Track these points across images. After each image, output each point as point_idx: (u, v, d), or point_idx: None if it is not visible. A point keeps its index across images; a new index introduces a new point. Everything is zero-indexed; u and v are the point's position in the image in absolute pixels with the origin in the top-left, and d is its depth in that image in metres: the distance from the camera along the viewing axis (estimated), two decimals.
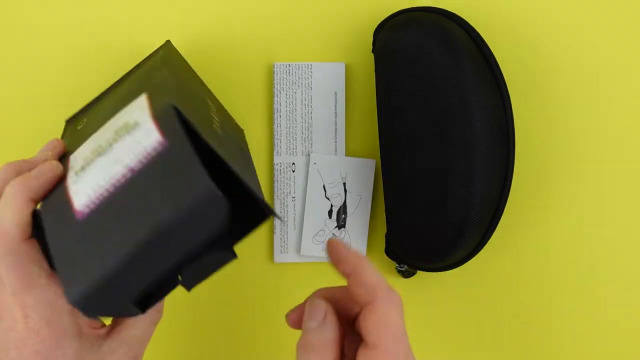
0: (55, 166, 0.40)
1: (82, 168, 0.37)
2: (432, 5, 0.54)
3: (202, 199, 0.32)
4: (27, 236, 0.38)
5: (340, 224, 0.54)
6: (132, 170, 0.35)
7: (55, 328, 0.38)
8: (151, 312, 0.41)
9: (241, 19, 0.55)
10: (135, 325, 0.41)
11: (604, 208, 0.56)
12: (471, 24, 0.54)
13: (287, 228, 0.55)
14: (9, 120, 0.55)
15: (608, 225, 0.56)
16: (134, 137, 0.36)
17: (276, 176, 0.54)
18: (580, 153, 0.56)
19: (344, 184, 0.54)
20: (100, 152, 0.37)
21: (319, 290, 0.41)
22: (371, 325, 0.37)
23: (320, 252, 0.54)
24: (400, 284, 0.55)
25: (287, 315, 0.42)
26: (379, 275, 0.39)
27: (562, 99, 0.56)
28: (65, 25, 0.54)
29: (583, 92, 0.56)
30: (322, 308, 0.39)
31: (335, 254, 0.40)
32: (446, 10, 0.52)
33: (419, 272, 0.55)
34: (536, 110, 0.56)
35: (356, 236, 0.54)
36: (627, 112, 0.56)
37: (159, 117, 0.35)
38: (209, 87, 0.55)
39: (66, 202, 0.37)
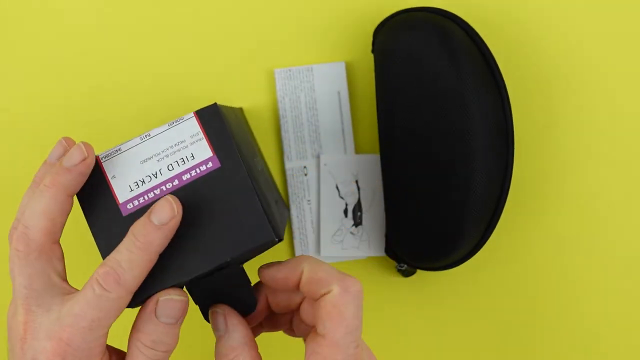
0: (87, 153, 0.37)
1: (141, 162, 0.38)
2: (432, 6, 0.54)
3: (264, 244, 0.37)
4: (55, 240, 0.37)
5: (357, 222, 0.55)
6: (181, 180, 0.37)
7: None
8: None
9: (238, 28, 0.55)
10: None
11: (604, 207, 0.56)
12: (471, 24, 0.54)
13: (306, 231, 0.55)
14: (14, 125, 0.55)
15: (608, 225, 0.56)
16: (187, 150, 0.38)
17: (289, 181, 0.55)
18: (580, 153, 0.56)
19: (357, 181, 0.54)
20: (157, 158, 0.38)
21: (260, 271, 0.40)
22: (324, 315, 0.36)
23: (340, 252, 0.55)
24: (400, 284, 0.56)
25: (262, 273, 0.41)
26: (329, 267, 0.38)
27: (562, 98, 0.56)
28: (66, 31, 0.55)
29: (583, 91, 0.55)
30: (221, 317, 0.39)
31: (272, 276, 0.39)
32: (446, 10, 0.52)
33: (418, 271, 0.55)
34: (536, 110, 0.56)
35: (374, 232, 0.54)
36: (627, 112, 0.55)
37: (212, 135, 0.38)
38: (211, 100, 0.55)
39: (110, 196, 0.38)
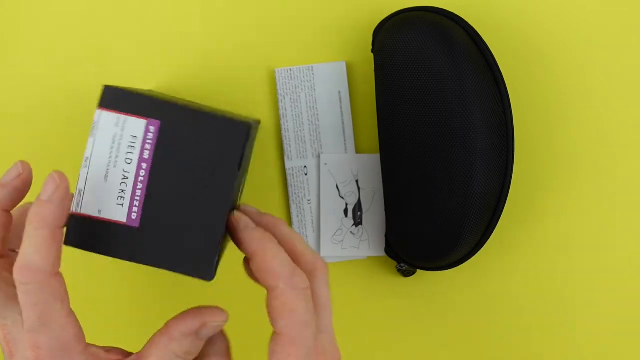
0: (59, 181, 0.36)
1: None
2: (432, 5, 0.54)
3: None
4: (56, 271, 0.37)
5: (357, 222, 0.55)
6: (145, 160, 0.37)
7: None
8: None
9: (238, 28, 0.55)
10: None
11: (604, 207, 0.55)
12: (471, 23, 0.54)
13: (306, 231, 0.55)
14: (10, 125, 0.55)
15: (608, 224, 0.55)
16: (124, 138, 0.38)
17: (290, 181, 0.55)
18: (580, 153, 0.56)
19: (357, 181, 0.55)
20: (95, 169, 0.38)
21: (233, 219, 0.39)
22: (275, 313, 0.36)
23: (340, 252, 0.55)
24: (400, 284, 0.55)
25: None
26: (282, 258, 0.37)
27: (562, 98, 0.56)
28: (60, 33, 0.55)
29: (583, 91, 0.55)
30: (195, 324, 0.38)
31: (235, 232, 0.38)
32: (446, 10, 0.52)
33: (418, 271, 0.55)
34: (536, 110, 0.56)
35: (374, 232, 0.55)
36: (627, 112, 0.55)
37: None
38: (212, 102, 0.55)
39: (107, 223, 0.38)
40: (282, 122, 0.55)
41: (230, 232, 0.38)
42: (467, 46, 0.51)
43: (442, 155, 0.50)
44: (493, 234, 0.54)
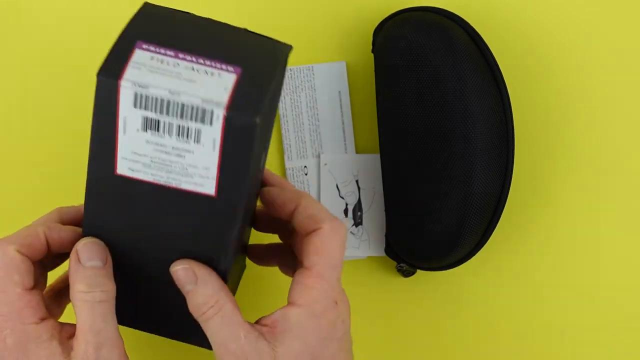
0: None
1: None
2: (432, 5, 0.54)
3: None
4: (22, 250, 0.41)
5: (357, 222, 0.55)
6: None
7: (21, 336, 0.39)
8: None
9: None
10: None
11: (604, 207, 0.55)
12: (471, 23, 0.54)
13: None
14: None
15: (609, 224, 0.55)
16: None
17: (290, 181, 0.55)
18: (580, 152, 0.56)
19: (357, 181, 0.54)
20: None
21: (263, 191, 0.44)
22: (312, 250, 0.40)
23: None
24: (400, 284, 0.55)
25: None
26: (322, 206, 0.42)
27: (562, 98, 0.56)
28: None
29: (583, 91, 0.55)
30: (189, 269, 0.40)
31: (272, 199, 0.42)
32: (446, 10, 0.52)
33: (418, 271, 0.55)
34: (536, 110, 0.55)
35: (374, 232, 0.55)
36: (627, 112, 0.55)
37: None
38: None
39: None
40: (282, 122, 0.55)
41: (270, 198, 0.43)
42: (467, 46, 0.51)
43: (442, 155, 0.50)
44: (493, 234, 0.54)
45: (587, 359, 0.56)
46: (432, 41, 0.50)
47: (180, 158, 0.39)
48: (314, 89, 0.54)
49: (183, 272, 0.40)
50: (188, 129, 0.38)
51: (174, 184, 0.39)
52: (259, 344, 0.39)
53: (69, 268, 0.41)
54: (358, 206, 0.55)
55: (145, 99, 0.37)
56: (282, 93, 0.54)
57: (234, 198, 0.39)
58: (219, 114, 0.37)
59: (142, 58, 0.37)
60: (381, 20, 0.54)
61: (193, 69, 0.37)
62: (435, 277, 0.55)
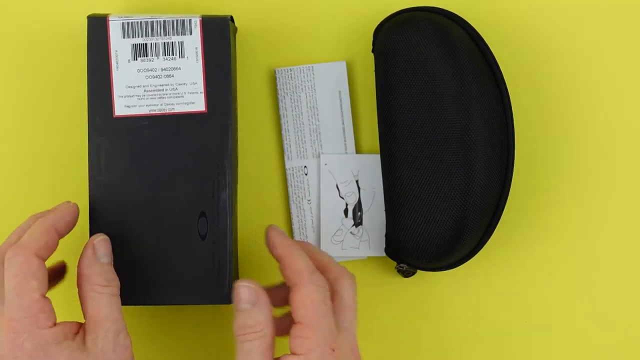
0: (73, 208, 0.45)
1: None
2: (433, 5, 0.54)
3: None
4: (41, 254, 0.41)
5: (357, 222, 0.54)
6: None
7: (40, 340, 0.40)
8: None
9: (239, 27, 0.55)
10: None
11: (605, 207, 0.55)
12: (471, 23, 0.54)
13: (306, 231, 0.55)
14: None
15: (609, 224, 0.55)
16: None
17: (290, 181, 0.55)
18: (580, 152, 0.55)
19: (357, 181, 0.54)
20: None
21: (268, 235, 0.46)
22: (297, 303, 0.42)
23: (340, 252, 0.54)
24: (400, 284, 0.55)
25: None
26: (306, 261, 0.44)
27: (562, 98, 0.55)
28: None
29: (583, 91, 0.55)
30: (254, 290, 0.43)
31: (270, 239, 0.45)
32: (446, 10, 0.52)
33: (418, 271, 0.55)
34: (536, 110, 0.55)
35: (374, 232, 0.54)
36: (627, 112, 0.55)
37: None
38: None
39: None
40: (282, 122, 0.55)
41: (267, 240, 0.46)
42: (467, 46, 0.51)
43: (442, 155, 0.50)
44: (493, 234, 0.54)
45: (587, 358, 0.56)
46: (432, 41, 0.50)
47: (170, 78, 0.45)
48: (314, 89, 0.54)
49: (247, 290, 0.43)
50: (172, 44, 0.45)
51: (167, 110, 0.45)
52: None
53: (83, 261, 0.43)
54: (358, 206, 0.55)
55: (132, 26, 0.45)
56: (282, 93, 0.54)
57: (223, 107, 0.46)
58: (196, 21, 0.46)
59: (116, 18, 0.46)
60: (381, 20, 0.54)
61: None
62: (435, 277, 0.55)
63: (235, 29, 0.52)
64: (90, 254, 0.43)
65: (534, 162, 0.55)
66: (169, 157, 0.46)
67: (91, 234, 0.47)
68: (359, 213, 0.54)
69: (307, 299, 0.42)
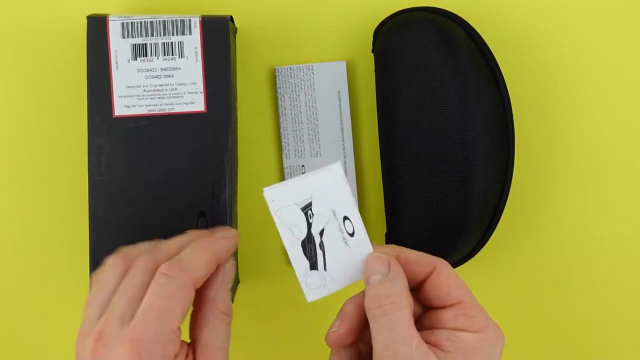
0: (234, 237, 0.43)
1: None
2: (432, 6, 0.54)
3: None
4: (197, 287, 0.39)
5: (311, 260, 0.51)
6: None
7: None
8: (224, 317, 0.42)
9: (239, 26, 0.55)
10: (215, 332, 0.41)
11: (605, 206, 0.55)
12: (471, 24, 0.54)
13: None
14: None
15: (610, 223, 0.55)
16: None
17: None
18: (580, 152, 0.55)
19: (308, 208, 0.42)
20: None
21: (394, 247, 0.42)
22: (448, 285, 0.40)
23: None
24: None
25: (329, 334, 0.41)
26: (414, 251, 0.41)
27: (562, 98, 0.55)
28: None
29: (583, 91, 0.55)
30: (385, 260, 0.39)
31: (408, 260, 0.41)
32: (446, 11, 0.52)
33: None
34: (536, 110, 0.55)
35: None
36: (627, 112, 0.55)
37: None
38: None
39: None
40: (280, 120, 0.54)
41: (371, 269, 0.40)
42: (467, 47, 0.50)
43: (442, 155, 0.50)
44: (493, 234, 0.53)
45: (587, 358, 0.55)
46: (432, 41, 0.50)
47: (170, 78, 0.45)
48: (314, 89, 0.54)
49: (378, 260, 0.39)
50: (172, 44, 0.45)
51: (167, 110, 0.45)
52: (429, 357, 0.37)
53: (212, 284, 0.41)
54: (307, 239, 0.50)
55: (132, 26, 0.45)
56: (281, 92, 0.54)
57: (223, 108, 0.46)
58: (196, 21, 0.46)
59: (116, 18, 0.46)
60: (381, 20, 0.54)
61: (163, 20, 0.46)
62: None
63: (235, 29, 0.52)
64: (221, 279, 0.41)
65: (534, 162, 0.55)
66: (168, 157, 0.46)
67: (90, 234, 0.46)
68: (310, 246, 0.42)
69: (453, 278, 0.40)
